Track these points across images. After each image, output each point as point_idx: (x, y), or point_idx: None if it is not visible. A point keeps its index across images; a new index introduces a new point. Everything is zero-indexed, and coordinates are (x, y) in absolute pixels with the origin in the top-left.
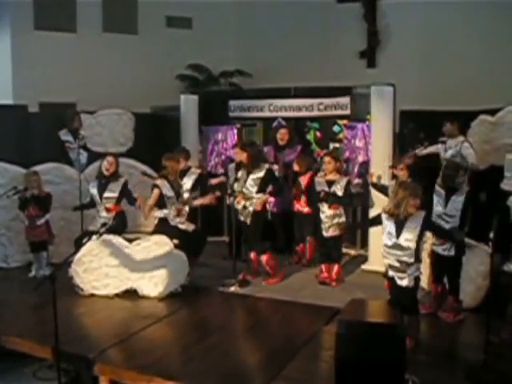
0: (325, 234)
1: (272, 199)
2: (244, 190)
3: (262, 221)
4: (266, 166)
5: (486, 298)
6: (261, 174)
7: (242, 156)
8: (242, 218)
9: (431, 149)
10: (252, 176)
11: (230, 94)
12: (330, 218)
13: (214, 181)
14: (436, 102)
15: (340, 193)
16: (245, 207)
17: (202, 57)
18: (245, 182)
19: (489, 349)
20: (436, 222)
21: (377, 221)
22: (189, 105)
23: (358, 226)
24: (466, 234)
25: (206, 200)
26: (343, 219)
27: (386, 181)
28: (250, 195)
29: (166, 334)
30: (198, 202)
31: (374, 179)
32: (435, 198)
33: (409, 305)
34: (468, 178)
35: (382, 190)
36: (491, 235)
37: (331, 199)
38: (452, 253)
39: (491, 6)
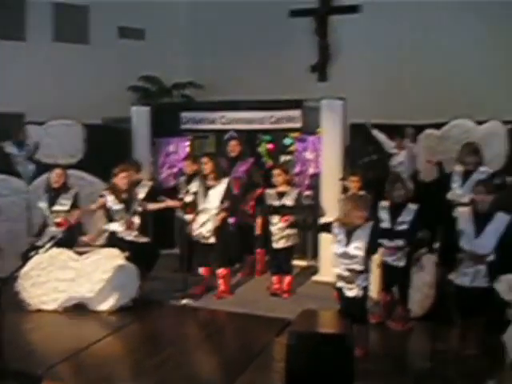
0: (275, 245)
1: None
2: (205, 205)
3: (224, 236)
4: (226, 179)
5: (432, 306)
6: (222, 187)
7: (193, 168)
8: (200, 236)
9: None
10: (213, 190)
11: (182, 105)
12: (280, 230)
13: (170, 202)
14: (386, 116)
15: (290, 203)
16: (203, 224)
17: (154, 68)
18: (204, 196)
19: (435, 356)
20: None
21: (328, 228)
22: (140, 116)
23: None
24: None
25: (163, 204)
26: (294, 230)
27: (336, 193)
28: (210, 210)
29: (117, 349)
30: (155, 206)
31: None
32: (381, 214)
33: (358, 315)
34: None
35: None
36: (437, 245)
37: (282, 211)
38: (402, 263)
39: (441, 20)
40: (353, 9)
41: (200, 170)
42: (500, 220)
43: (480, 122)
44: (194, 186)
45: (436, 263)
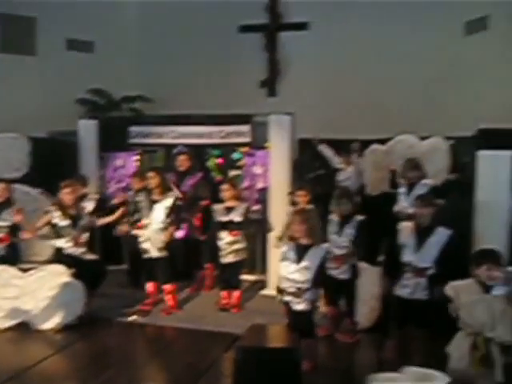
0: (224, 260)
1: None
2: (150, 219)
3: (170, 251)
4: (173, 194)
5: (379, 318)
6: (168, 202)
7: (140, 184)
8: (146, 251)
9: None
10: (159, 205)
11: (130, 119)
12: (228, 245)
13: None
14: (334, 131)
15: (239, 218)
16: (149, 239)
17: (103, 81)
18: (150, 210)
19: (382, 368)
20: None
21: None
22: (88, 130)
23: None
24: (362, 258)
25: (114, 216)
26: (242, 245)
27: (284, 206)
28: (156, 225)
29: (63, 368)
30: (104, 220)
31: None
32: (330, 227)
33: (306, 328)
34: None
35: None
36: (381, 258)
37: (230, 226)
38: (347, 276)
39: (387, 36)
40: (302, 26)
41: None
42: (440, 234)
43: (423, 138)
44: (140, 201)
45: (381, 276)
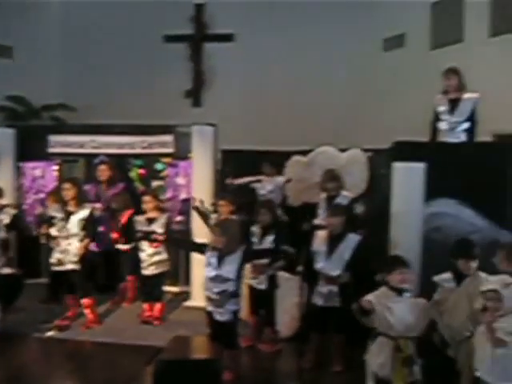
0: (145, 272)
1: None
2: (65, 231)
3: (86, 264)
4: (89, 205)
5: (300, 327)
6: (85, 213)
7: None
8: (61, 263)
9: (250, 179)
10: (74, 216)
11: (50, 128)
12: (150, 256)
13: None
14: (257, 142)
15: (160, 230)
16: (65, 251)
17: (23, 88)
18: (65, 222)
19: (303, 376)
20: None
21: (201, 248)
22: (5, 138)
23: (182, 245)
24: (281, 268)
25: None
26: (164, 256)
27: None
28: (72, 237)
29: None
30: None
31: (198, 203)
32: (252, 238)
33: (228, 339)
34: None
35: (203, 215)
36: (300, 268)
37: (151, 237)
38: (267, 286)
39: (309, 49)
40: (227, 37)
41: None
42: (350, 240)
43: (342, 150)
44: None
45: (301, 285)
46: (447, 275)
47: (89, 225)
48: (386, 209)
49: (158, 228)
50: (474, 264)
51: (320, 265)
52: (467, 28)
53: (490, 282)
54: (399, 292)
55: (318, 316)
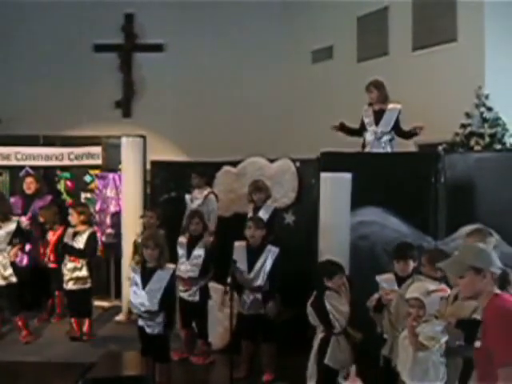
0: (66, 287)
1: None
2: None
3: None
4: (15, 218)
5: (232, 337)
6: (12, 226)
7: None
8: None
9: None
10: (1, 230)
11: None
12: (70, 271)
13: None
14: (187, 153)
15: (81, 245)
16: None
17: None
18: None
19: None
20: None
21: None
22: None
23: None
24: (212, 278)
25: None
26: (84, 273)
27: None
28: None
29: None
30: None
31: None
32: (179, 251)
33: (159, 353)
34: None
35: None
36: (229, 279)
37: (71, 251)
38: (197, 298)
39: (239, 64)
40: (157, 47)
41: None
42: (268, 253)
43: (271, 160)
44: None
45: (230, 297)
46: (389, 276)
47: (18, 236)
48: (315, 218)
49: (79, 243)
50: (410, 266)
51: (239, 276)
52: (392, 41)
53: (413, 289)
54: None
55: (246, 324)
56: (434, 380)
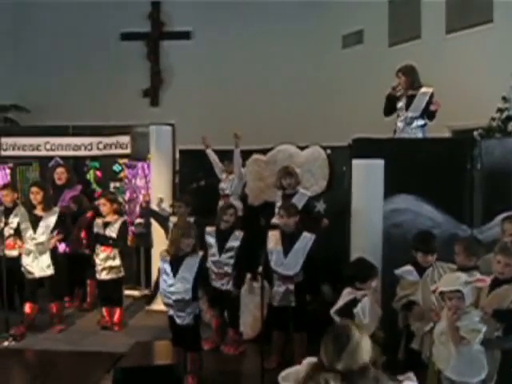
0: (99, 277)
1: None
2: (35, 237)
3: (57, 268)
4: (56, 209)
5: (263, 327)
6: (53, 218)
7: (13, 197)
8: (30, 272)
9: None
10: (43, 221)
11: (2, 130)
12: (103, 261)
13: None
14: (216, 142)
15: (114, 234)
16: (34, 258)
17: None
18: (32, 228)
19: (265, 377)
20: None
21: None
22: None
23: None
24: (244, 269)
25: None
26: (117, 262)
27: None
28: (42, 243)
29: None
30: None
31: (154, 207)
32: (208, 240)
33: (190, 342)
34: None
35: (158, 216)
36: (260, 269)
37: (104, 241)
38: (229, 287)
39: (268, 51)
40: (184, 35)
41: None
42: (305, 239)
43: (302, 148)
44: (17, 217)
45: (261, 286)
46: (408, 268)
47: (59, 226)
48: (347, 206)
49: (111, 233)
50: (433, 257)
51: (275, 265)
52: (424, 25)
53: (449, 281)
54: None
55: (277, 314)
56: (479, 371)
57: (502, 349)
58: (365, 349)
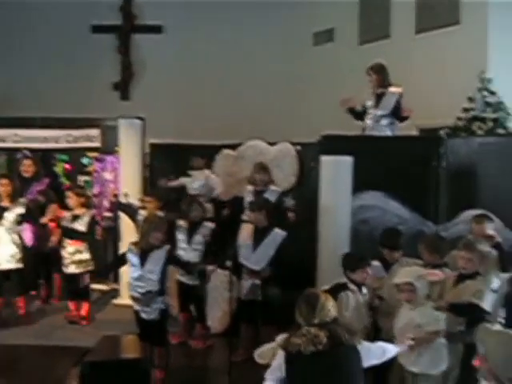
0: (66, 270)
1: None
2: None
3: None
4: (23, 200)
5: (232, 321)
6: (19, 210)
7: None
8: None
9: (182, 180)
10: (9, 213)
11: None
12: (71, 254)
13: None
14: (187, 136)
15: (83, 228)
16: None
17: None
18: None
19: (232, 371)
20: (178, 257)
21: (123, 258)
22: None
23: (111, 268)
24: (210, 262)
25: None
26: (86, 256)
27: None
28: (8, 234)
29: None
30: None
31: (123, 199)
32: (178, 235)
33: (157, 337)
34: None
35: (127, 209)
36: (228, 263)
37: (72, 234)
38: (196, 282)
39: (239, 47)
40: (156, 29)
41: None
42: (275, 235)
43: (271, 144)
44: None
45: (230, 279)
46: (375, 263)
47: (26, 217)
48: (316, 202)
49: (80, 226)
50: (399, 253)
51: (243, 259)
52: (394, 25)
53: (403, 274)
54: (360, 288)
55: (245, 308)
56: (440, 364)
57: (465, 342)
58: (332, 305)
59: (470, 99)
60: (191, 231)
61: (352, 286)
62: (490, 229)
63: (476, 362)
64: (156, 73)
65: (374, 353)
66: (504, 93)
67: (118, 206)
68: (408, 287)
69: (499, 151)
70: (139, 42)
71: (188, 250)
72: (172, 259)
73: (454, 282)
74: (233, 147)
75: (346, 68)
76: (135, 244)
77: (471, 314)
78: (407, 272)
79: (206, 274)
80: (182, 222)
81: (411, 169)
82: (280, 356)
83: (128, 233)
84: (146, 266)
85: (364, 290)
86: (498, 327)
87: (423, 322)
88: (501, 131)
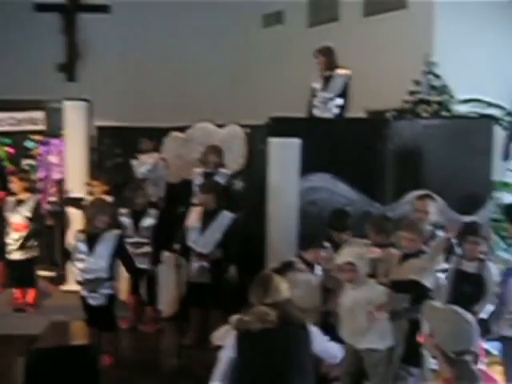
0: (11, 257)
1: None
2: None
3: None
4: None
5: (181, 305)
6: None
7: None
8: None
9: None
10: None
11: None
12: (15, 241)
13: None
14: (134, 119)
15: (27, 213)
16: None
17: None
18: None
19: (182, 354)
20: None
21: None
22: None
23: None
24: (160, 246)
25: None
26: (32, 242)
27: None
28: None
29: None
30: None
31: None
32: (123, 220)
33: (105, 323)
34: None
35: (75, 203)
36: (176, 246)
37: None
38: (146, 265)
39: (187, 24)
40: (102, 8)
41: None
42: (224, 217)
43: (219, 126)
44: None
45: (177, 263)
46: (325, 244)
47: None
48: (265, 184)
49: (25, 211)
50: (347, 234)
51: (191, 242)
52: (342, 7)
53: (344, 254)
54: (312, 267)
55: (194, 292)
56: (387, 339)
57: (409, 318)
58: (284, 287)
59: (417, 82)
60: (137, 217)
61: (301, 265)
62: (431, 206)
63: (420, 339)
64: (103, 54)
65: (324, 338)
66: (449, 76)
67: (65, 202)
68: (349, 267)
69: (443, 133)
70: (85, 22)
71: (136, 237)
72: (121, 251)
73: (399, 261)
74: (181, 129)
75: (295, 50)
76: (82, 231)
77: (412, 291)
78: (347, 252)
79: (155, 257)
80: (125, 210)
81: (358, 151)
82: (231, 336)
83: (75, 217)
84: (94, 253)
85: (317, 271)
86: (441, 304)
87: (372, 297)
88: (445, 114)
